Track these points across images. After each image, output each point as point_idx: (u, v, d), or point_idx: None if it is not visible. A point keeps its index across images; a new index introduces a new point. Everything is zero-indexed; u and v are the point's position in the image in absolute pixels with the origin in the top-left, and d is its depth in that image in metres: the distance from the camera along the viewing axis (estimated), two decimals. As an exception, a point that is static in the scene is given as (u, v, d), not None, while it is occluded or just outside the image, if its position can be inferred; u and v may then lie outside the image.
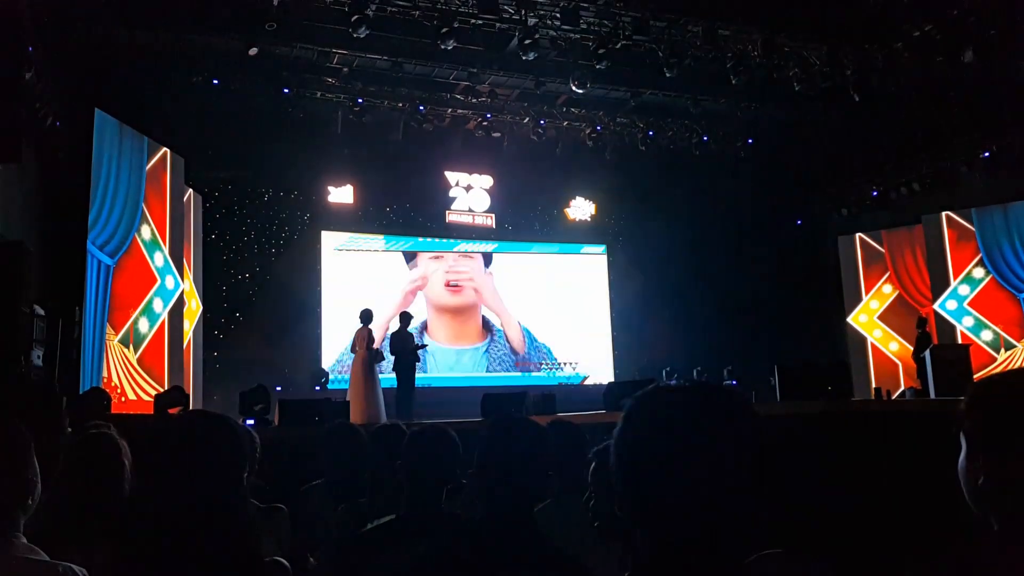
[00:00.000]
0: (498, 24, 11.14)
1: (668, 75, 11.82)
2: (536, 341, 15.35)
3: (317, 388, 12.51)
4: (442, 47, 10.79)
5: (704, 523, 1.13)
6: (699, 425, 1.16)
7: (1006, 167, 13.32)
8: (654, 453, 1.16)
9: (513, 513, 2.07)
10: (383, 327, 12.01)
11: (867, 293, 15.50)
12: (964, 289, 14.12)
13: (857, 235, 15.66)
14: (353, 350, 10.15)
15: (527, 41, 10.97)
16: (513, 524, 2.06)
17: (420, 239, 14.96)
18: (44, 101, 8.83)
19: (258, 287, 13.28)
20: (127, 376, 9.74)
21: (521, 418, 2.34)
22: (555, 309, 15.51)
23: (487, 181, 15.32)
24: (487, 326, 15.13)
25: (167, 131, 11.13)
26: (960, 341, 13.31)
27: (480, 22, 11.03)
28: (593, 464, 2.66)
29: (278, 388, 11.52)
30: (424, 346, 10.51)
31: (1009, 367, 13.25)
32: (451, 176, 15.15)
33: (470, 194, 15.25)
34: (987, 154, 13.46)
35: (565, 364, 15.37)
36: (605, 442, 2.48)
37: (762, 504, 1.14)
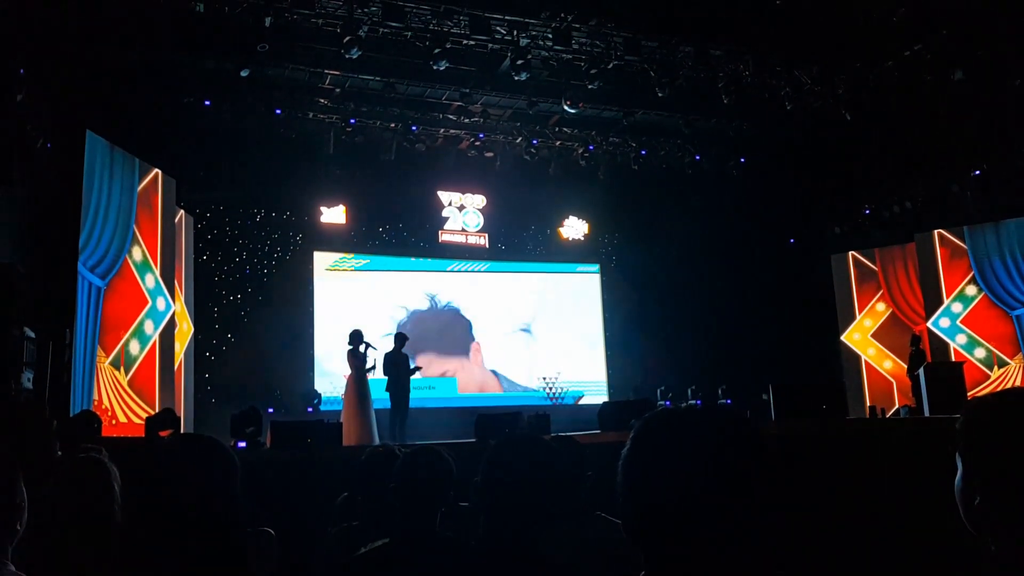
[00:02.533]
0: (490, 45, 11.20)
1: (660, 95, 11.89)
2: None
3: (309, 410, 12.44)
4: (434, 67, 10.83)
5: (712, 545, 1.13)
6: (709, 449, 1.16)
7: (997, 185, 13.42)
8: (664, 475, 1.16)
9: (515, 534, 2.02)
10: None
11: (860, 311, 15.53)
12: (957, 307, 14.16)
13: (850, 253, 15.71)
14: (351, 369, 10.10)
15: (519, 61, 11.03)
16: (515, 545, 2.02)
17: (413, 259, 14.94)
18: (35, 122, 8.82)
19: (250, 308, 13.21)
20: (118, 399, 9.66)
21: (530, 436, 2.30)
22: (548, 329, 15.49)
23: (480, 201, 15.33)
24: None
25: (158, 152, 11.11)
26: (953, 359, 13.33)
27: (472, 43, 11.09)
28: None
29: (270, 410, 11.44)
30: (418, 368, 10.47)
31: (1002, 384, 13.31)
32: (444, 196, 15.15)
33: (463, 214, 15.25)
34: (978, 172, 13.57)
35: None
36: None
37: (768, 526, 1.13)
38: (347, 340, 10.24)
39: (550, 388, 15.07)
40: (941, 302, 14.28)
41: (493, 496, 2.07)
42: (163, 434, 7.50)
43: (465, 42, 11.05)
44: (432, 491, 2.57)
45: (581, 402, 15.05)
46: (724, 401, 12.71)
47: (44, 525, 2.32)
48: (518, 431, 7.67)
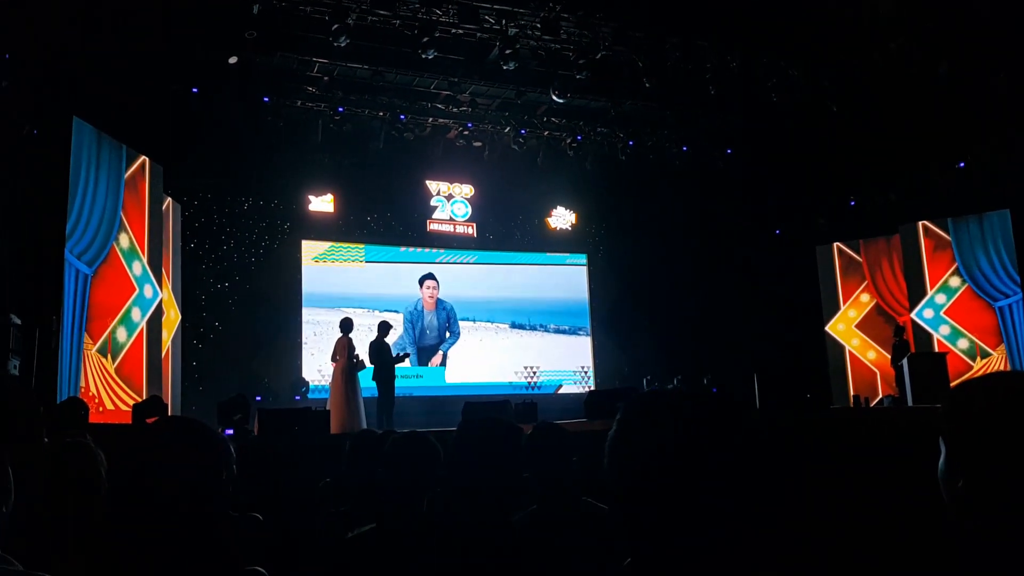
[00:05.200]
0: (479, 34, 11.19)
1: (647, 86, 11.91)
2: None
3: (297, 398, 12.45)
4: (423, 56, 10.82)
5: (698, 525, 1.13)
6: (697, 431, 1.16)
7: (981, 177, 13.51)
8: (649, 455, 1.16)
9: (488, 512, 2.06)
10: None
11: (845, 302, 15.63)
12: (940, 298, 14.28)
13: (835, 244, 15.80)
14: (334, 359, 10.13)
15: (508, 51, 11.02)
16: (490, 526, 2.06)
17: (401, 249, 14.93)
18: (21, 109, 8.76)
19: (237, 296, 13.18)
20: (105, 386, 9.65)
21: (492, 418, 2.33)
22: (536, 318, 15.53)
23: (468, 190, 15.33)
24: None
25: (146, 139, 11.03)
26: (937, 349, 13.46)
27: (461, 32, 11.08)
28: None
29: (258, 398, 11.44)
30: (406, 355, 10.48)
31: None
32: (432, 185, 15.14)
33: (451, 203, 15.25)
34: (962, 164, 13.66)
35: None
36: None
37: (755, 513, 1.15)
38: (339, 328, 10.27)
39: (530, 378, 15.14)
40: (925, 293, 14.40)
41: (459, 474, 2.11)
42: (150, 421, 7.51)
43: (454, 31, 11.04)
44: (419, 476, 2.60)
45: (567, 391, 15.11)
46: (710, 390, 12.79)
47: (30, 510, 2.33)
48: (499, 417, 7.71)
